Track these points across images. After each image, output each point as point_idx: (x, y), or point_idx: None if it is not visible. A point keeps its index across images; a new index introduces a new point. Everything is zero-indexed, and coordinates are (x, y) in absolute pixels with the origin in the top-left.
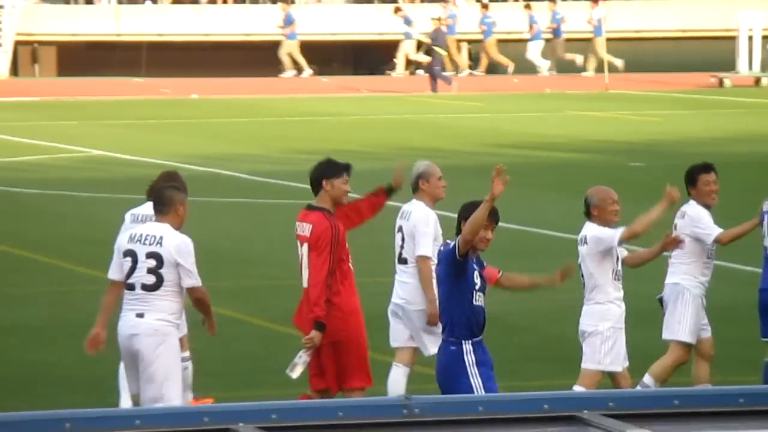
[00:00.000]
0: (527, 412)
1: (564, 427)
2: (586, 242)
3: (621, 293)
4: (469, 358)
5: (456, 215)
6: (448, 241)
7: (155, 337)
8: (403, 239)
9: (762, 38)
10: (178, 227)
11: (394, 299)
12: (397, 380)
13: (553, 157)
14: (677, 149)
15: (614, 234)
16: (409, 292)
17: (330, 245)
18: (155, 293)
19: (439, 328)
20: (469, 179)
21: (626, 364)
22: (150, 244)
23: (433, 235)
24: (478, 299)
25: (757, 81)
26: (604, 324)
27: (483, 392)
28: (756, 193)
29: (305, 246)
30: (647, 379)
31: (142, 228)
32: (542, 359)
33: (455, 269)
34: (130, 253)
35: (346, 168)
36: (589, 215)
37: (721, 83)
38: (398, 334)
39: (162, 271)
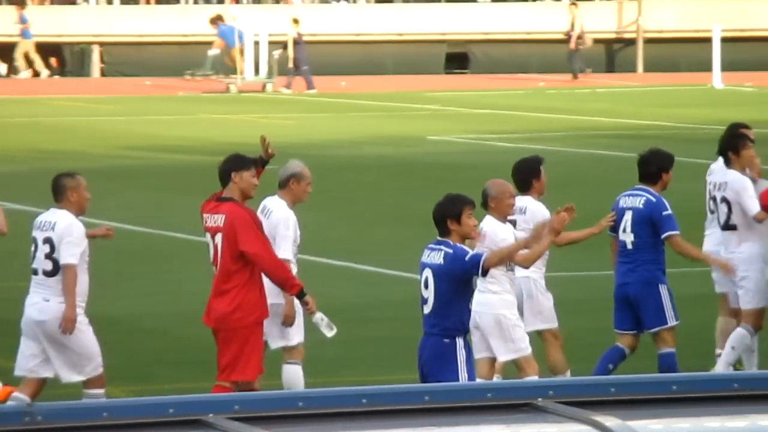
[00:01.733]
0: (153, 416)
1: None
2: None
3: (513, 283)
4: (461, 353)
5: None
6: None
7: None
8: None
9: (269, 44)
10: (76, 213)
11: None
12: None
13: (185, 160)
14: (309, 151)
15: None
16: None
17: (258, 229)
18: (55, 278)
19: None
20: (99, 182)
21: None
22: (44, 230)
23: (292, 237)
24: (472, 301)
25: (264, 86)
26: (506, 311)
27: None
28: (385, 195)
29: (219, 235)
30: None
31: (43, 215)
32: (173, 362)
33: (467, 277)
34: (33, 240)
35: (253, 162)
36: (486, 207)
37: (227, 89)
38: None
39: (55, 255)
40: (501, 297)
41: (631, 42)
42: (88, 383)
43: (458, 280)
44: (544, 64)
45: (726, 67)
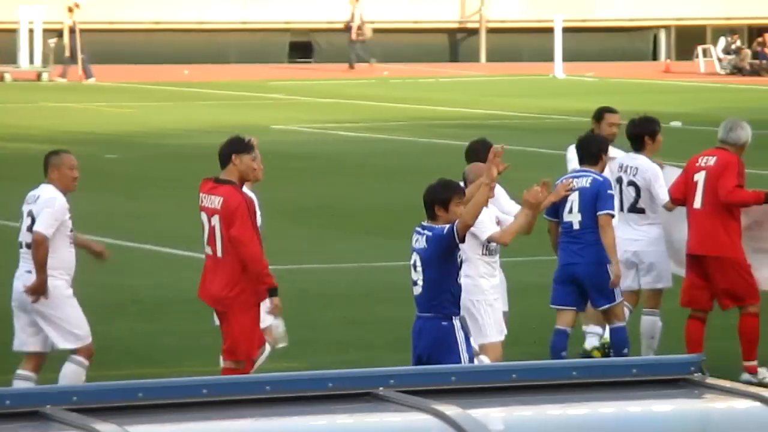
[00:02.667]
0: None
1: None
2: None
3: (492, 268)
4: (460, 334)
5: None
6: (432, 224)
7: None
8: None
9: (43, 32)
10: (62, 190)
11: None
12: None
13: (26, 149)
14: (151, 140)
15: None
16: None
17: (250, 218)
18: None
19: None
20: None
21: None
22: (29, 203)
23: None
24: (460, 277)
25: (39, 75)
26: (476, 297)
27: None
28: None
29: (216, 217)
30: None
31: (33, 190)
32: None
33: (449, 252)
34: (20, 214)
35: (252, 146)
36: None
37: (1, 77)
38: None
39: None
40: (474, 282)
41: (474, 32)
42: (77, 351)
43: (442, 257)
44: (388, 53)
45: (567, 57)
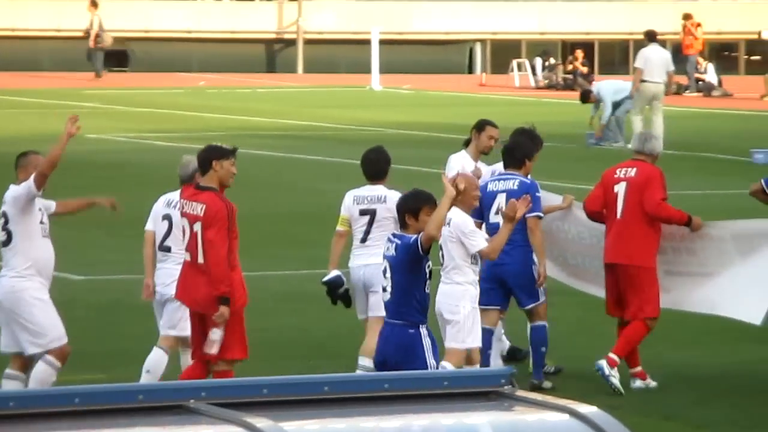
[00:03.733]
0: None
1: None
2: (448, 224)
3: (477, 276)
4: (426, 341)
5: None
6: (402, 233)
7: (13, 293)
8: (170, 226)
9: None
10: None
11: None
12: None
13: None
14: None
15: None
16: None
17: (226, 223)
18: (8, 249)
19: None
20: None
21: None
22: (2, 205)
23: None
24: (428, 287)
25: None
26: (465, 304)
27: None
28: None
29: (198, 224)
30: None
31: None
32: None
33: (416, 261)
34: None
35: (233, 151)
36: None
37: None
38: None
39: (9, 226)
40: (464, 288)
41: (292, 43)
42: (49, 352)
43: (408, 266)
44: (204, 62)
45: (384, 69)
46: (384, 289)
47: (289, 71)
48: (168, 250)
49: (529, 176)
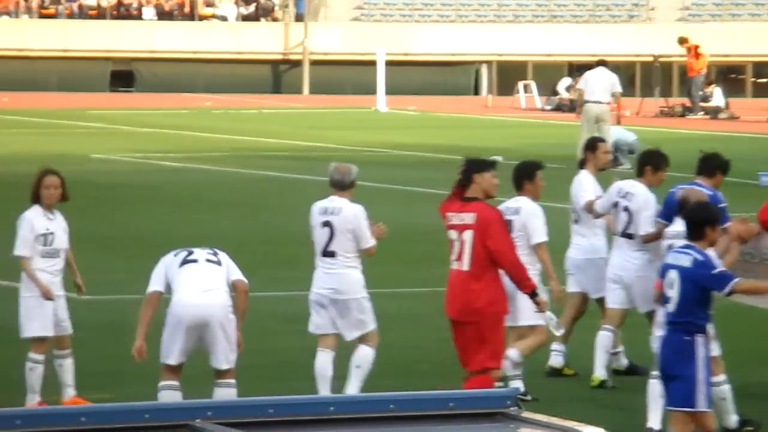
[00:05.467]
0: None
1: None
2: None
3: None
4: (700, 351)
5: None
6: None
7: None
8: (332, 233)
9: None
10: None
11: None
12: (324, 363)
13: None
14: None
15: None
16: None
17: (505, 227)
18: None
19: (363, 314)
20: None
21: None
22: None
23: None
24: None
25: None
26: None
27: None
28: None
29: (467, 233)
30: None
31: None
32: None
33: (709, 289)
34: None
35: (492, 164)
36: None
37: None
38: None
39: None
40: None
41: (298, 64)
42: None
43: (701, 288)
44: (210, 83)
45: (390, 90)
46: (668, 300)
47: (294, 92)
48: (332, 255)
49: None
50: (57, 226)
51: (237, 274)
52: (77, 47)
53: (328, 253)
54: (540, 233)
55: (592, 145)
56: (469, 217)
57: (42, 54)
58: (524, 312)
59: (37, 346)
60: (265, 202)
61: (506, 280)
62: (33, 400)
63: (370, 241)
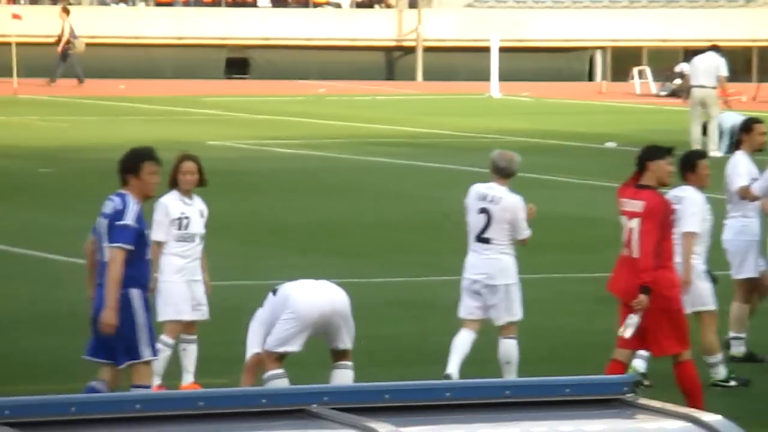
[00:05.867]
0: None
1: None
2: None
3: None
4: None
5: None
6: None
7: None
8: (489, 221)
9: None
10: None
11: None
12: (466, 340)
13: None
14: (85, 155)
15: None
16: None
17: (660, 219)
18: None
19: (514, 301)
20: None
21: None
22: None
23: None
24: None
25: None
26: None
27: None
28: None
29: (635, 220)
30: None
31: None
32: None
33: None
34: None
35: (668, 151)
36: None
37: None
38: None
39: None
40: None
41: (411, 50)
42: None
43: None
44: (324, 70)
45: (503, 76)
46: None
47: (408, 79)
48: (487, 241)
49: None
50: (194, 210)
51: None
52: (192, 35)
53: (482, 239)
54: (689, 223)
55: (748, 126)
56: (638, 205)
57: (158, 42)
58: (697, 297)
59: (170, 330)
60: (377, 189)
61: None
62: (154, 383)
63: (526, 232)
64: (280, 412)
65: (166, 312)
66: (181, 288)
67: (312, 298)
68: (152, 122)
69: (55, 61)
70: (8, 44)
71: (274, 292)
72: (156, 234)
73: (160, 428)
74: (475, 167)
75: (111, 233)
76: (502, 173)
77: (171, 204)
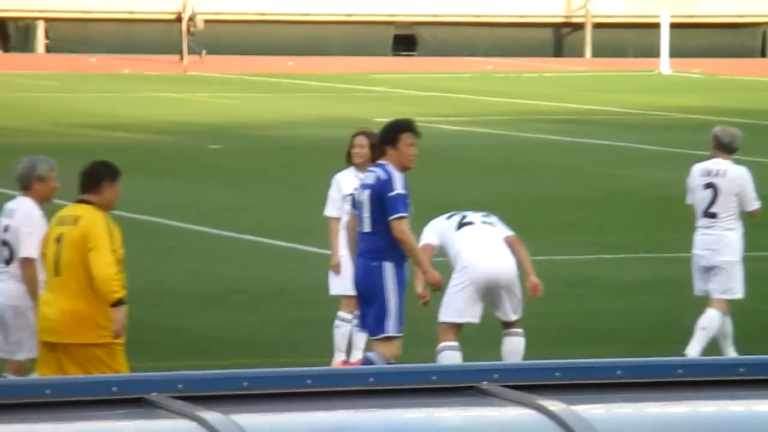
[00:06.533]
0: (96, 394)
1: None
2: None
3: None
4: None
5: None
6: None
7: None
8: (715, 195)
9: None
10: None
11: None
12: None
13: (129, 138)
14: (254, 132)
15: None
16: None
17: None
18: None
19: (733, 278)
20: None
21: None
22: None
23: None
24: None
25: None
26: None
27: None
28: (328, 177)
29: None
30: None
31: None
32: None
33: None
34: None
35: None
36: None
37: None
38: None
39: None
40: None
41: (580, 27)
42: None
43: None
44: (491, 47)
45: (673, 53)
46: None
47: (576, 55)
48: (714, 216)
49: None
50: None
51: (508, 231)
52: (360, 11)
53: (709, 214)
54: None
55: None
56: None
57: (326, 18)
58: None
59: (345, 305)
60: (543, 166)
61: None
62: (338, 359)
63: (755, 203)
64: (449, 389)
65: (336, 286)
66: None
67: (483, 262)
68: (320, 99)
69: (186, 38)
70: (178, 20)
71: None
72: (329, 209)
73: (327, 403)
74: (644, 144)
75: (386, 206)
76: (726, 149)
77: (344, 180)
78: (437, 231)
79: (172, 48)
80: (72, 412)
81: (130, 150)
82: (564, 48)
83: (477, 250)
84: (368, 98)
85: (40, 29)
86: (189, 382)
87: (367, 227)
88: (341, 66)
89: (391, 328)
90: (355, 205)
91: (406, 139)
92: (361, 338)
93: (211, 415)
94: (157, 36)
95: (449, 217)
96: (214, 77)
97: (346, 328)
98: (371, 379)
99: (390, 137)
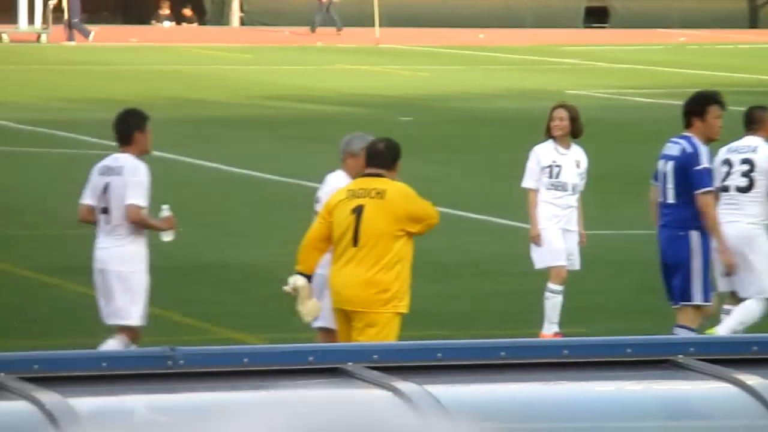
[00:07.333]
0: (293, 364)
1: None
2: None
3: None
4: None
5: None
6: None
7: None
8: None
9: None
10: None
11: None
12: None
13: (322, 110)
14: (445, 104)
15: None
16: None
17: None
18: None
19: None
20: (235, 131)
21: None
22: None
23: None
24: None
25: (38, 37)
26: None
27: None
28: (521, 149)
29: None
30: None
31: None
32: None
33: None
34: None
35: None
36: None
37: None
38: None
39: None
40: None
41: None
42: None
43: None
44: (685, 18)
45: None
46: None
47: None
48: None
49: None
50: (568, 160)
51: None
52: None
53: None
54: None
55: None
56: None
57: None
58: None
59: (555, 275)
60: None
61: None
62: (549, 331)
63: None
64: (645, 362)
65: (543, 258)
66: (555, 235)
67: None
68: (511, 71)
69: (320, 9)
70: None
71: None
72: (527, 181)
73: (522, 375)
74: None
75: (693, 179)
76: None
77: (543, 152)
78: None
79: (366, 20)
80: (269, 381)
81: (322, 122)
82: (759, 19)
83: None
84: (560, 70)
85: (235, 2)
86: (384, 353)
87: (671, 198)
88: (532, 38)
89: (697, 296)
90: (656, 176)
91: (713, 111)
92: (554, 312)
93: (406, 386)
94: (350, 8)
95: None
96: (405, 50)
97: (556, 299)
98: (565, 351)
99: (698, 108)
